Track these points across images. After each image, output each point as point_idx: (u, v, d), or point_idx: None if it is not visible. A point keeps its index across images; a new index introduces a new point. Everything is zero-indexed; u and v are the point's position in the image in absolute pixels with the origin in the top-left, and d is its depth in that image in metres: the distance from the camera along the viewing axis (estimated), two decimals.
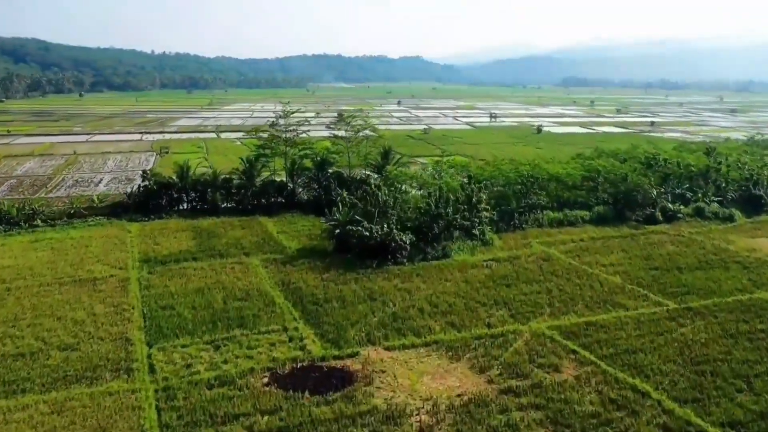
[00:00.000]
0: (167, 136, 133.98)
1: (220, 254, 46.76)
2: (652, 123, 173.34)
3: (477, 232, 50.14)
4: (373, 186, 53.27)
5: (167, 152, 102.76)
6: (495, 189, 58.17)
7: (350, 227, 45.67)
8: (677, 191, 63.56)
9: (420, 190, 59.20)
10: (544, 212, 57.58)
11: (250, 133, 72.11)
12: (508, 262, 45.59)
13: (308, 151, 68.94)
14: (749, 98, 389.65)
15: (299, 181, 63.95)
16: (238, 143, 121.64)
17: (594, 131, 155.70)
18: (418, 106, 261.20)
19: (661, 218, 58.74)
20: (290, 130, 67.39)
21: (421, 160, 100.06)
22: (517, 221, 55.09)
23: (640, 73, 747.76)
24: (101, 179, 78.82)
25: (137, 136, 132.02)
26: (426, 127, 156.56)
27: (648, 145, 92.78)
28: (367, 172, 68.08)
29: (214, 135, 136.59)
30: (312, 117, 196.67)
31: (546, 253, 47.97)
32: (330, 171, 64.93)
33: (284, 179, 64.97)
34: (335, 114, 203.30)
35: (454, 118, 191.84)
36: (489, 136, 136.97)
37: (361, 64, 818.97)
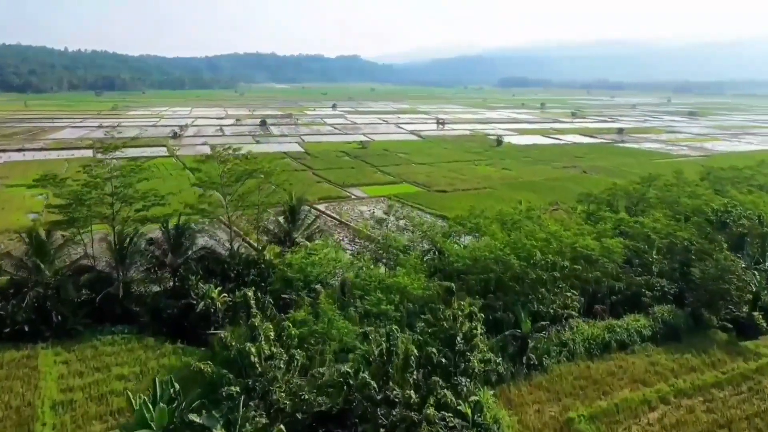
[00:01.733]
0: (27, 155, 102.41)
1: None
2: (620, 130, 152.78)
3: (468, 407, 23.92)
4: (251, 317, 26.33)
5: None
6: (484, 278, 32.47)
7: None
8: (764, 266, 39.28)
9: (345, 289, 32.65)
10: (575, 322, 32.06)
11: (42, 181, 39.63)
12: None
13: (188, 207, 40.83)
14: (693, 99, 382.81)
15: (135, 267, 35.81)
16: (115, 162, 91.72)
17: (560, 141, 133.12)
18: (355, 109, 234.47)
19: (764, 323, 34.34)
20: (115, 175, 37.55)
21: (356, 192, 73.29)
22: (533, 356, 29.17)
23: (576, 73, 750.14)
24: None
25: None
26: (364, 138, 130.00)
27: (669, 170, 69.13)
28: (266, 241, 41.15)
29: (90, 153, 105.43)
30: (229, 125, 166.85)
31: None
32: (194, 247, 37.08)
33: (108, 263, 36.66)
34: (258, 120, 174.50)
35: (397, 125, 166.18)
36: (442, 152, 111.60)
37: (296, 64, 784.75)
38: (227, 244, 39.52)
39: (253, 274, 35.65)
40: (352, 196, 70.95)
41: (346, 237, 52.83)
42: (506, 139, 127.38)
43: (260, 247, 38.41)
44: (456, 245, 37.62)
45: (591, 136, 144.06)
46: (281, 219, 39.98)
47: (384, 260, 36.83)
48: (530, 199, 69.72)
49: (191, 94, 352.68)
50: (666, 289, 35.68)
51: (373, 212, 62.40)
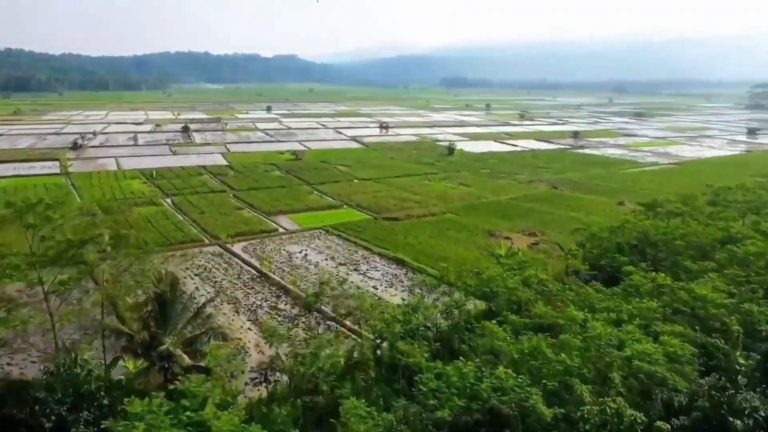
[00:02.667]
0: None
1: None
2: (576, 134, 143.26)
3: None
4: None
5: None
6: None
7: None
8: None
9: None
10: None
11: None
12: None
13: None
14: (633, 99, 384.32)
15: None
16: None
17: (516, 148, 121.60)
18: (291, 112, 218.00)
19: None
20: None
21: (285, 223, 58.17)
22: None
23: (515, 73, 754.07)
24: None
25: None
26: (300, 147, 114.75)
27: (645, 182, 57.54)
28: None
29: None
30: (146, 132, 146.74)
31: None
32: None
33: None
34: (180, 126, 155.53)
35: (336, 130, 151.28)
36: (388, 163, 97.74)
37: (231, 64, 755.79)
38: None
39: (86, 417, 20.63)
40: (280, 229, 55.87)
41: (266, 302, 37.82)
42: (458, 145, 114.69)
43: (107, 364, 23.14)
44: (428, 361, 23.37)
45: (547, 141, 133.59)
46: (147, 309, 24.35)
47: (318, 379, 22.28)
48: (501, 227, 56.81)
49: (114, 96, 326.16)
50: (759, 415, 22.69)
51: (306, 255, 47.69)
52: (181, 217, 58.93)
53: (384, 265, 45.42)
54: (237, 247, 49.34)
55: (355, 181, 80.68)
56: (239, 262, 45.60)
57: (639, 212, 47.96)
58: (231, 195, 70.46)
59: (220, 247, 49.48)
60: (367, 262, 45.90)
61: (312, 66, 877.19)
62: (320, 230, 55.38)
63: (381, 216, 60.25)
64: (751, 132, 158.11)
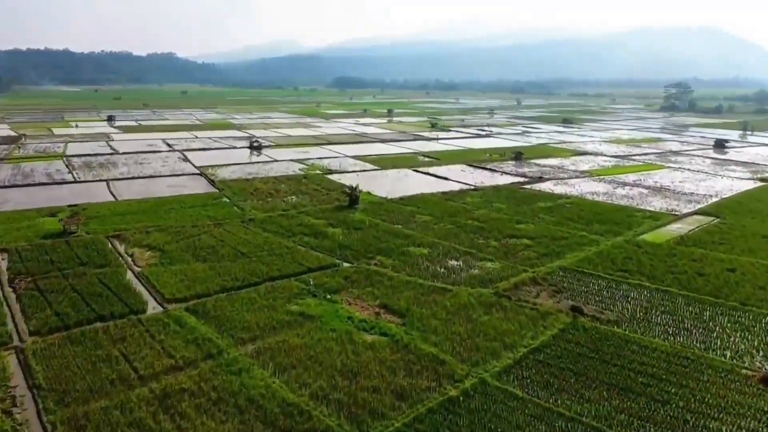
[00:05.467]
0: None
1: None
2: (519, 155, 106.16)
3: None
4: None
5: None
6: None
7: None
8: None
9: None
10: None
11: None
12: None
13: None
14: (539, 101, 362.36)
15: None
16: None
17: (450, 184, 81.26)
18: (139, 124, 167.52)
19: None
20: None
21: None
22: None
23: (408, 73, 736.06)
24: None
25: None
26: (102, 197, 68.02)
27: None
28: None
29: None
30: None
31: None
32: None
33: None
34: None
35: (182, 155, 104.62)
36: (240, 235, 53.68)
37: (98, 62, 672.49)
38: None
39: None
40: None
41: None
42: (361, 182, 72.60)
43: None
44: None
45: (484, 168, 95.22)
46: None
47: None
48: None
49: None
50: None
51: None
52: None
53: None
54: None
55: (152, 310, 36.55)
56: None
57: None
58: None
59: None
60: None
61: (191, 65, 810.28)
62: None
63: None
64: (719, 145, 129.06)
